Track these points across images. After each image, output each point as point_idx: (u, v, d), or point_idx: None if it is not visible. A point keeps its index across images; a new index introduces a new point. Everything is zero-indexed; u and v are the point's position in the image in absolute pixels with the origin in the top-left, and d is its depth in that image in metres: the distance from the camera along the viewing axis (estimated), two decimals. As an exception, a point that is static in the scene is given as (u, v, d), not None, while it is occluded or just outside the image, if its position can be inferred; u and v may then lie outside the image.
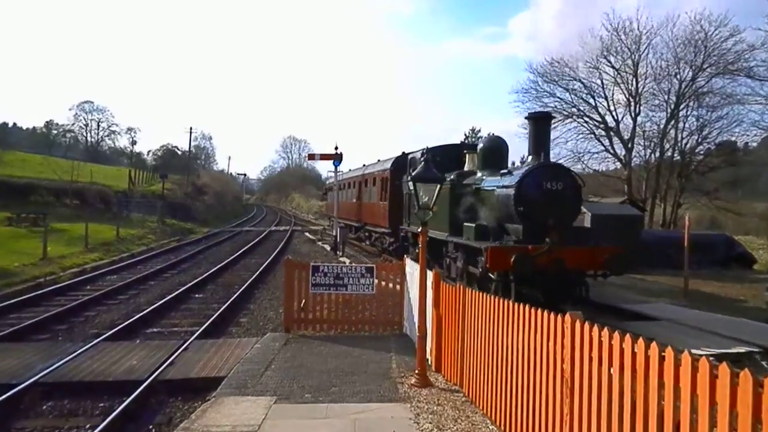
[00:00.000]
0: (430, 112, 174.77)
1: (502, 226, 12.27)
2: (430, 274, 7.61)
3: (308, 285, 9.31)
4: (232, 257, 21.17)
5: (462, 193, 13.37)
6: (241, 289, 14.17)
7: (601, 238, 11.84)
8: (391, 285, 9.70)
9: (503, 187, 12.22)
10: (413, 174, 6.99)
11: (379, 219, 22.26)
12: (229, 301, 12.58)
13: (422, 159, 7.05)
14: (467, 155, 14.94)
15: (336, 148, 23.46)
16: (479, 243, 11.90)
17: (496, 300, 5.91)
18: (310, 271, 9.32)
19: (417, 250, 16.78)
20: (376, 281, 9.42)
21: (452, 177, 14.60)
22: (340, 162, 23.88)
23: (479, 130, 55.69)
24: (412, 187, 7.00)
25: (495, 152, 13.89)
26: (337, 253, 22.29)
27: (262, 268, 18.27)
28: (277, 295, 14.12)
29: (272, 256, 21.77)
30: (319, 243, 28.53)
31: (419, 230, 7.35)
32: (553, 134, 36.58)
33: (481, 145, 14.36)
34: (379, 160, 26.95)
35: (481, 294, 6.36)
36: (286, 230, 38.97)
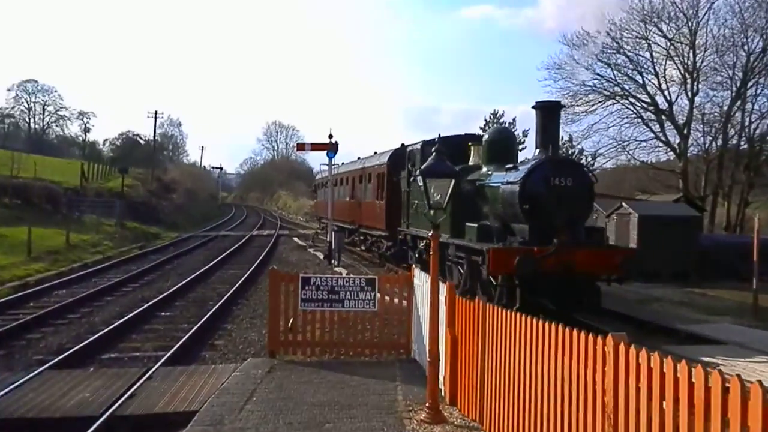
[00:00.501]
0: (444, 94, 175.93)
1: (508, 227, 13.06)
2: (443, 287, 7.65)
3: (297, 300, 9.38)
4: (206, 267, 21.26)
5: (465, 190, 13.87)
6: (216, 306, 14.21)
7: (650, 244, 12.29)
8: (396, 300, 9.79)
9: (508, 183, 12.88)
10: (423, 167, 7.03)
11: (376, 220, 22.95)
12: (202, 320, 12.64)
13: (434, 150, 7.11)
14: (472, 148, 15.49)
15: (330, 137, 23.33)
16: (481, 245, 12.60)
17: (523, 318, 5.90)
18: (299, 284, 9.36)
19: (417, 255, 18.01)
20: (378, 296, 9.46)
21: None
22: (335, 153, 23.75)
23: (502, 115, 55.90)
24: (420, 183, 7.04)
25: (501, 145, 14.50)
26: (332, 262, 22.33)
27: (241, 281, 18.28)
28: (260, 312, 14.13)
29: (254, 267, 21.80)
30: (311, 250, 28.64)
31: (429, 234, 7.42)
32: (591, 119, 36.82)
33: (486, 137, 15.00)
34: (375, 153, 26.96)
35: (504, 311, 6.37)
36: (271, 235, 39.00)
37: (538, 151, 13.18)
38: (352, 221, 26.73)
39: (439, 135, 16.42)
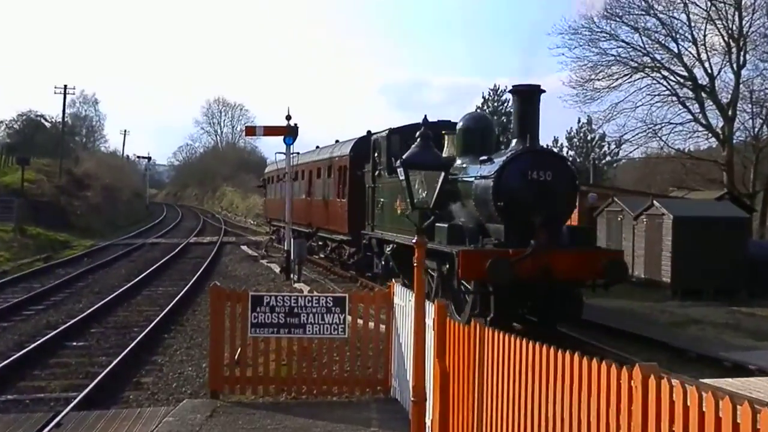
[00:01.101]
0: (433, 66, 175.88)
1: (483, 227, 14.04)
2: (430, 308, 7.76)
3: (246, 325, 9.42)
4: (131, 284, 21.25)
5: None
6: (143, 333, 14.21)
7: (688, 252, 12.86)
8: (372, 324, 9.87)
9: (481, 177, 13.71)
10: (405, 156, 7.08)
11: (337, 222, 23.92)
12: (124, 352, 12.60)
13: (418, 135, 7.14)
14: (446, 138, 16.26)
15: (288, 118, 23.38)
16: (451, 247, 13.52)
17: (530, 346, 5.94)
18: (248, 305, 9.39)
19: (383, 262, 18.76)
20: (349, 319, 9.53)
21: None
22: (294, 139, 23.84)
23: (504, 91, 56.27)
24: (397, 176, 7.06)
25: (477, 134, 15.40)
26: (291, 276, 22.34)
27: (175, 301, 18.32)
28: (199, 341, 14.16)
29: (191, 283, 21.93)
30: (263, 261, 28.69)
31: (413, 241, 7.53)
32: (615, 96, 37.05)
33: (460, 125, 15.83)
34: (337, 141, 27.52)
35: (507, 336, 6.45)
36: (213, 242, 39.07)
37: (515, 141, 14.19)
38: (308, 223, 27.08)
39: (414, 124, 17.05)
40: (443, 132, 16.87)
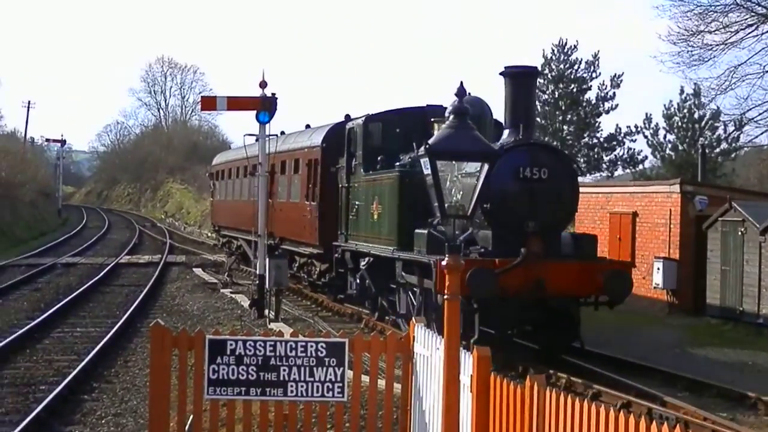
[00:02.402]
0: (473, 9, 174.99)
1: (470, 234, 15.79)
2: (467, 359, 7.95)
3: (202, 382, 9.48)
4: (36, 323, 21.25)
5: (417, 186, 16.15)
6: (53, 394, 14.11)
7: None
8: (383, 383, 9.94)
9: (467, 175, 13.66)
10: (432, 142, 7.10)
11: (306, 231, 25.53)
12: (25, 421, 12.42)
13: (449, 112, 7.18)
14: (435, 126, 17.74)
15: (263, 86, 23.49)
16: (430, 257, 15.58)
17: (610, 413, 5.95)
18: (205, 352, 9.50)
19: (358, 281, 21.17)
20: (350, 374, 9.65)
21: (405, 161, 19.20)
22: (270, 116, 23.99)
23: (573, 48, 56.22)
24: (428, 169, 7.09)
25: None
26: (267, 313, 22.53)
27: (99, 348, 18.33)
28: (133, 405, 14.19)
29: (122, 321, 21.96)
30: (226, 291, 28.88)
31: (443, 262, 7.69)
32: (735, 56, 36.51)
33: (449, 111, 16.30)
34: (308, 127, 28.93)
35: (576, 400, 6.46)
36: (154, 263, 39.31)
37: (506, 132, 16.10)
38: (270, 232, 29.01)
39: (401, 109, 20.53)
40: (432, 120, 18.60)
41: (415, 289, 17.20)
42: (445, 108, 17.79)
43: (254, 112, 23.90)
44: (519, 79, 16.09)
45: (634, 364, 16.60)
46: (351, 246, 21.38)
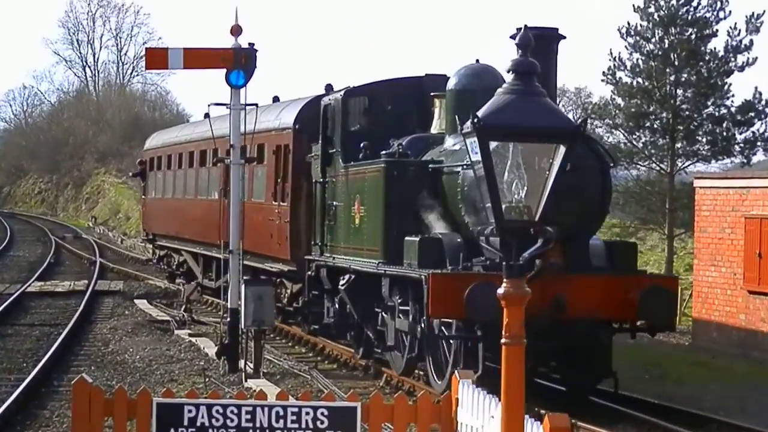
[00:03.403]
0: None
1: (472, 241, 17.46)
2: (535, 428, 8.38)
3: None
4: None
5: (409, 181, 19.31)
6: None
7: None
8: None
9: (469, 167, 15.92)
10: (481, 116, 7.11)
11: (271, 241, 27.32)
12: None
13: (511, 69, 7.21)
14: (436, 102, 20.93)
15: (236, 32, 23.34)
16: (422, 271, 17.67)
17: None
18: (152, 422, 9.62)
19: (337, 306, 23.64)
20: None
21: (394, 148, 21.63)
22: (248, 75, 23.99)
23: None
24: (476, 154, 7.16)
25: (476, 98, 16.91)
26: (243, 365, 22.69)
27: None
28: None
29: (31, 378, 22.10)
30: (182, 333, 29.67)
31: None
32: None
33: (450, 85, 20.32)
34: (276, 99, 31.36)
35: None
36: (77, 292, 40.59)
37: None
38: (225, 242, 28.81)
39: (391, 79, 24.16)
40: (432, 94, 21.09)
41: (406, 312, 18.87)
42: (448, 78, 20.07)
43: (223, 71, 23.43)
44: (534, 45, 15.92)
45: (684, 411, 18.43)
46: (328, 260, 23.23)
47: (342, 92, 22.69)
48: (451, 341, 18.31)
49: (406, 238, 18.53)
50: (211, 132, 23.70)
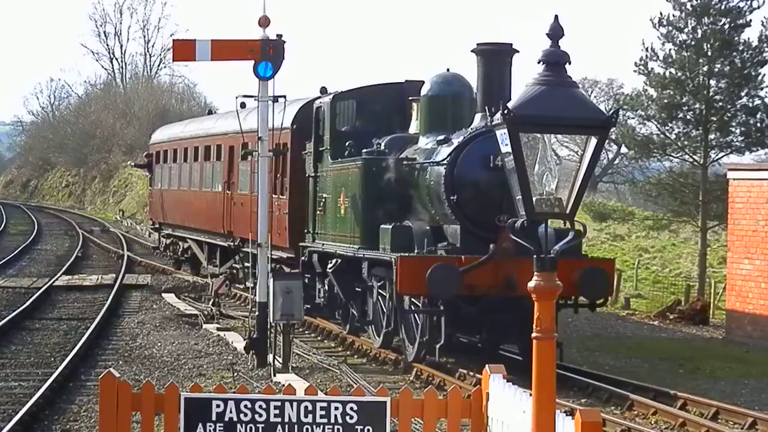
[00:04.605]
0: None
1: (440, 229, 22.36)
2: (566, 423, 8.26)
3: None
4: None
5: (385, 176, 23.32)
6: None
7: None
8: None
9: (435, 164, 22.12)
10: (512, 108, 7.06)
11: (272, 231, 28.09)
12: None
13: (543, 59, 7.16)
14: (415, 106, 24.59)
15: (264, 24, 23.04)
16: (393, 254, 21.25)
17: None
18: (179, 417, 9.64)
19: (326, 289, 28.12)
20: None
21: (374, 147, 25.26)
22: (276, 68, 23.73)
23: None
24: (507, 145, 7.11)
25: (447, 103, 24.23)
26: (271, 359, 22.77)
27: (26, 410, 18.35)
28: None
29: (58, 372, 21.97)
30: (212, 327, 29.66)
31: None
32: None
33: (424, 90, 24.12)
34: (276, 100, 31.35)
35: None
36: (105, 286, 40.60)
37: (478, 116, 21.72)
38: (227, 231, 34.33)
39: (375, 85, 28.61)
40: (410, 99, 24.70)
41: (383, 293, 22.66)
42: (423, 83, 23.49)
43: (251, 63, 23.19)
44: (492, 57, 21.74)
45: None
46: (318, 246, 26.79)
47: (331, 96, 25.97)
48: (419, 315, 22.02)
49: (382, 226, 22.31)
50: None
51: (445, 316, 20.38)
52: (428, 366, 22.55)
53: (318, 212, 26.55)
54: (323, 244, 25.99)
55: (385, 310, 22.46)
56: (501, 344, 23.21)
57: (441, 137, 21.79)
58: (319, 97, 26.85)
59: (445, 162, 20.98)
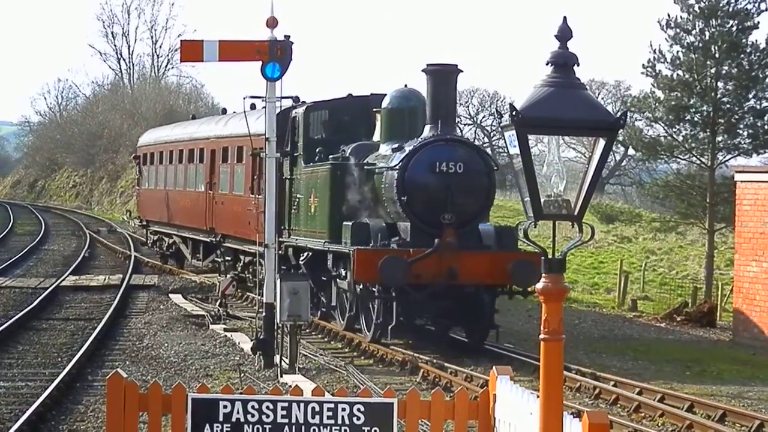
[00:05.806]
0: None
1: (394, 226, 26.12)
2: (572, 424, 8.20)
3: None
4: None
5: (349, 179, 27.14)
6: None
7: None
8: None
9: (389, 168, 25.83)
10: (521, 109, 7.05)
11: (249, 228, 32.39)
12: None
13: (551, 60, 7.17)
14: (377, 116, 27.83)
15: (271, 25, 23.06)
16: (351, 248, 24.67)
17: None
18: (187, 417, 9.63)
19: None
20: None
21: (341, 152, 28.86)
22: (284, 68, 23.65)
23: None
24: (515, 147, 7.12)
25: (404, 115, 27.98)
26: (278, 360, 22.78)
27: (33, 410, 18.33)
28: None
29: (65, 372, 22.06)
30: (218, 328, 29.65)
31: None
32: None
33: (384, 104, 27.95)
34: (253, 108, 34.83)
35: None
36: (112, 286, 40.64)
37: (427, 127, 25.63)
38: (209, 227, 37.73)
39: (344, 98, 33.47)
40: (375, 110, 27.96)
41: (343, 281, 26.55)
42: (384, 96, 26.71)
43: (258, 64, 23.13)
44: (439, 76, 25.61)
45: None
46: (292, 241, 30.54)
47: (305, 106, 29.66)
48: (375, 301, 25.43)
49: (344, 222, 26.21)
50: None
51: (397, 301, 24.44)
52: (433, 367, 23.20)
53: (293, 211, 30.38)
54: (296, 239, 29.93)
55: (347, 297, 26.38)
56: (450, 328, 27.38)
57: (396, 145, 25.60)
58: (295, 107, 30.38)
59: (397, 167, 24.77)
